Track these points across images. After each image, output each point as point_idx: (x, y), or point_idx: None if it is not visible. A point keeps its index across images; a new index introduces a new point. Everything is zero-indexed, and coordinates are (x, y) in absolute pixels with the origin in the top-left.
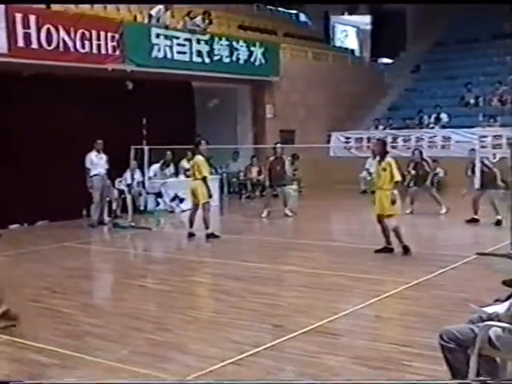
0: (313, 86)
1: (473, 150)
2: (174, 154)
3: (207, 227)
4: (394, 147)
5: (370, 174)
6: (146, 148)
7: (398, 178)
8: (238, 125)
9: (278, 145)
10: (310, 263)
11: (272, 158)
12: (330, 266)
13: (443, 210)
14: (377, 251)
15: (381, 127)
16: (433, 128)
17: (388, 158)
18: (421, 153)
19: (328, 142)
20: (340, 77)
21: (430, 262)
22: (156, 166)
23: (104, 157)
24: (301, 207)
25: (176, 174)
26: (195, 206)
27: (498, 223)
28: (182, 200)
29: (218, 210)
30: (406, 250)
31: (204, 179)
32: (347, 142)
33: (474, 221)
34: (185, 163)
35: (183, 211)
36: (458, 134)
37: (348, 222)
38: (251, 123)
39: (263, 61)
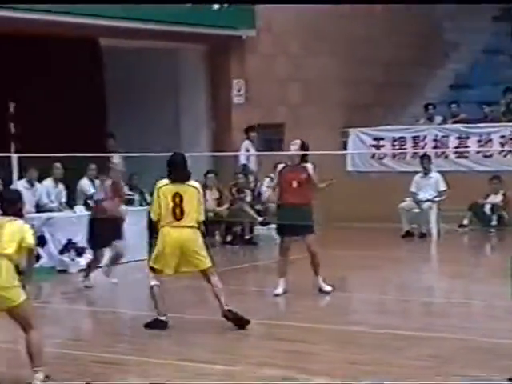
0: (315, 46)
1: None
2: (66, 167)
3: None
4: (460, 155)
5: (418, 203)
6: (15, 156)
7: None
8: (183, 116)
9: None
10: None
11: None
12: None
13: None
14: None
15: (438, 118)
16: None
17: (193, 182)
18: None
19: (344, 146)
20: (363, 29)
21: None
22: (20, 183)
23: None
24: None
25: (70, 203)
26: None
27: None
28: (80, 251)
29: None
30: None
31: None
32: (378, 147)
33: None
34: (86, 184)
35: (83, 270)
36: None
37: (382, 291)
38: (206, 114)
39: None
